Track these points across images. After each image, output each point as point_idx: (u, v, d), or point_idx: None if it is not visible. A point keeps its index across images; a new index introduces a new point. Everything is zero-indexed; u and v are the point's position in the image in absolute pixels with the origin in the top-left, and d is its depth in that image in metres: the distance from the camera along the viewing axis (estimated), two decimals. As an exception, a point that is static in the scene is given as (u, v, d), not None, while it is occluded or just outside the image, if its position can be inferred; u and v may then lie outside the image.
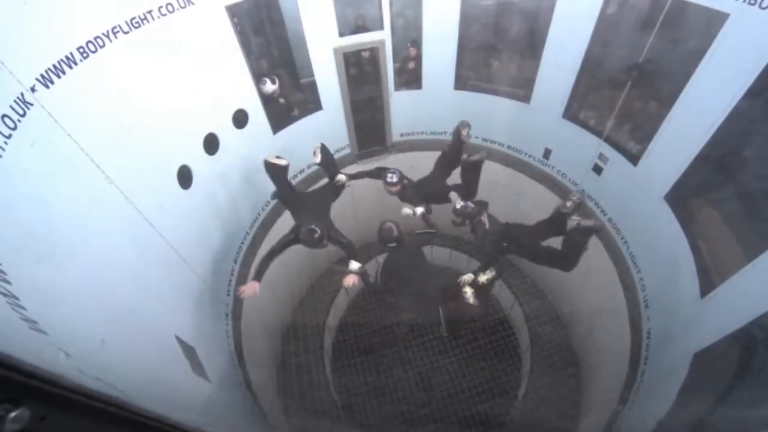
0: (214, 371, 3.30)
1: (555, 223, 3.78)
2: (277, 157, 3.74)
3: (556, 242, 3.83)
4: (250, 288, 3.41)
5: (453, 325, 4.21)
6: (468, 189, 4.24)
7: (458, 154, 4.26)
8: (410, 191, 4.15)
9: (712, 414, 2.66)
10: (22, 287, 1.62)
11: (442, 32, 4.71)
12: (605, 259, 4.45)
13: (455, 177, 4.42)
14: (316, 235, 3.29)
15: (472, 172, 4.13)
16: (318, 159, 3.97)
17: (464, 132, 4.13)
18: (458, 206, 3.83)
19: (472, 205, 3.84)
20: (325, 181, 4.41)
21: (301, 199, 4.06)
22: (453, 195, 4.16)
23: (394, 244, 3.61)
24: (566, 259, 3.79)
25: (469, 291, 3.60)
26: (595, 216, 4.22)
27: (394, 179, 3.93)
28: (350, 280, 3.66)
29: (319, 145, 4.02)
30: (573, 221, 3.59)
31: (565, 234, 3.72)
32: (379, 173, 4.15)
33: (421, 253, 4.16)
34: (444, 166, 4.42)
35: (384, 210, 6.54)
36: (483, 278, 3.68)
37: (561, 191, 5.01)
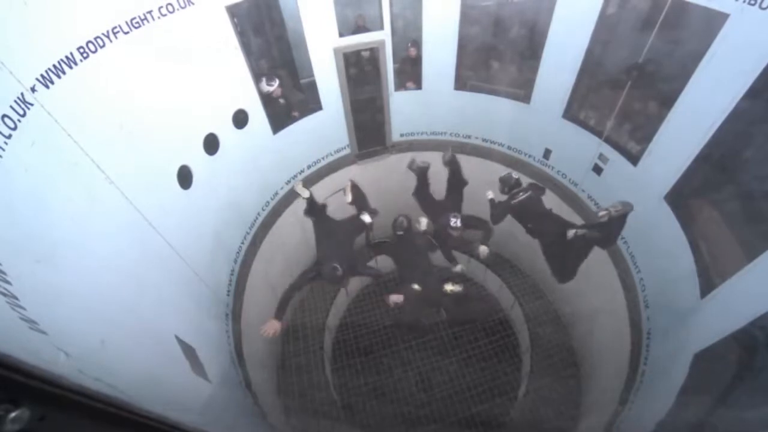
0: (214, 371, 3.30)
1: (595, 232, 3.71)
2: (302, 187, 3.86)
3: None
4: (271, 327, 3.31)
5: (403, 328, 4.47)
6: (458, 180, 4.49)
7: (426, 182, 4.62)
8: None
9: (712, 414, 2.66)
10: (22, 287, 1.62)
11: (442, 32, 4.71)
12: (605, 259, 4.44)
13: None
14: (338, 273, 3.40)
15: (454, 166, 4.44)
16: (349, 198, 4.05)
17: (420, 163, 4.50)
18: (503, 175, 4.07)
19: (515, 177, 4.07)
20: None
21: (329, 225, 4.05)
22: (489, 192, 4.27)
23: (401, 233, 4.03)
24: (565, 267, 3.85)
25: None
26: (622, 263, 4.29)
27: (458, 224, 3.92)
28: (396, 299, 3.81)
29: (350, 183, 4.11)
30: (570, 232, 3.64)
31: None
32: (442, 223, 4.11)
33: (426, 254, 4.31)
34: (424, 198, 4.67)
35: (382, 211, 6.55)
36: (448, 288, 3.78)
37: (561, 191, 5.01)
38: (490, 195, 4.16)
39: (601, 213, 3.41)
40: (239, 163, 4.16)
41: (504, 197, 4.04)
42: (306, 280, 3.61)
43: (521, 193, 3.93)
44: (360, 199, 4.15)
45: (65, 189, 2.11)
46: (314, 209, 3.92)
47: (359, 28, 4.78)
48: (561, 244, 3.88)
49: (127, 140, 2.67)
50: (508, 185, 4.01)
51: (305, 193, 3.82)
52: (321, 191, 5.57)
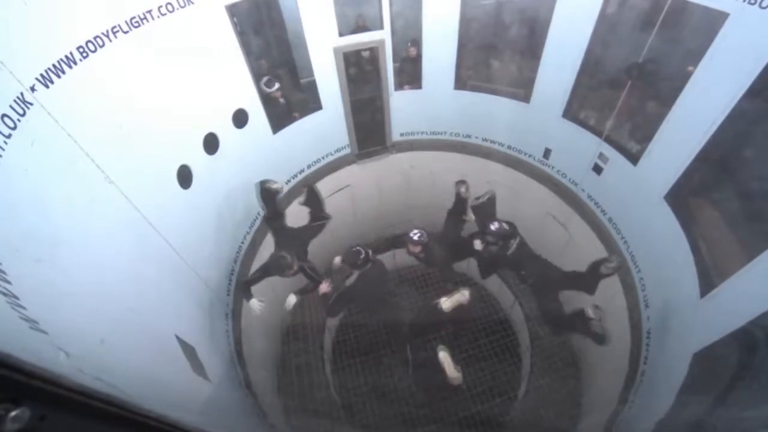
0: (214, 371, 3.30)
1: (587, 279, 3.63)
2: (272, 181, 3.85)
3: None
4: (257, 305, 3.63)
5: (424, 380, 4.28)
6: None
7: (462, 207, 4.40)
8: (435, 251, 4.07)
9: (712, 414, 2.66)
10: (22, 287, 1.62)
11: (442, 32, 4.71)
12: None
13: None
14: (285, 262, 3.47)
15: (488, 210, 4.21)
16: (302, 199, 4.16)
17: (462, 189, 4.27)
18: (493, 228, 3.71)
19: (506, 226, 3.74)
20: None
21: (286, 230, 4.21)
22: (476, 242, 4.13)
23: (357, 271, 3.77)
24: (557, 326, 3.77)
25: (449, 367, 3.54)
26: (623, 264, 4.04)
27: (415, 237, 3.87)
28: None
29: (305, 189, 4.23)
30: (595, 314, 3.48)
31: (592, 294, 3.64)
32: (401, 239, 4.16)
33: (386, 273, 4.28)
34: (454, 222, 4.54)
35: (382, 211, 6.56)
36: (446, 303, 3.60)
37: (561, 191, 5.01)
38: (479, 245, 4.00)
39: (610, 265, 3.43)
40: (239, 163, 4.16)
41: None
42: (258, 277, 3.75)
43: (512, 241, 3.73)
44: (315, 203, 4.21)
45: (65, 189, 2.11)
46: (273, 215, 4.03)
47: (359, 28, 4.77)
48: (552, 292, 3.85)
49: (127, 140, 2.67)
50: (500, 236, 3.73)
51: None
52: (320, 191, 5.57)
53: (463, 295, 3.55)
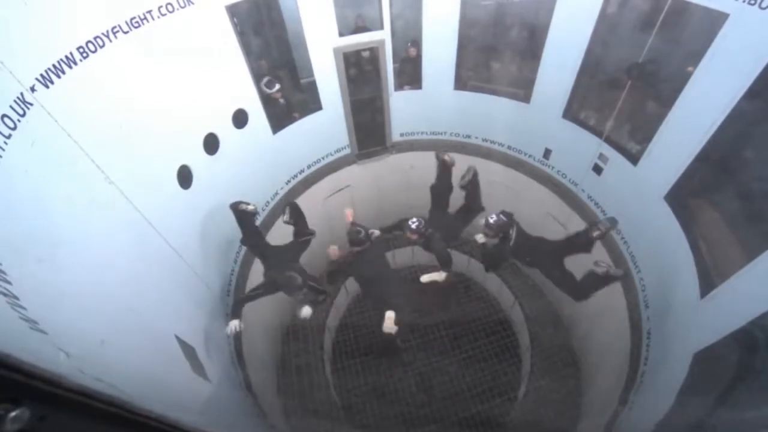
0: (214, 371, 3.30)
1: (580, 241, 3.80)
2: (245, 203, 3.73)
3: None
4: (234, 327, 3.44)
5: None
6: (474, 205, 4.30)
7: (448, 180, 4.31)
8: (433, 239, 4.02)
9: (712, 415, 2.66)
10: (22, 287, 1.62)
11: (442, 32, 4.71)
12: (605, 259, 4.44)
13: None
14: (297, 282, 3.40)
15: (472, 190, 4.21)
16: (286, 217, 4.08)
17: (447, 158, 4.19)
18: (492, 221, 3.76)
19: (504, 217, 3.80)
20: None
21: (269, 249, 4.11)
22: (478, 236, 4.14)
23: (358, 248, 3.82)
24: (578, 291, 3.83)
25: (389, 320, 3.59)
26: (622, 264, 4.21)
27: (413, 226, 3.89)
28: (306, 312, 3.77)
29: (287, 207, 4.15)
30: (602, 267, 3.58)
31: (590, 252, 3.79)
32: (400, 224, 4.14)
33: (386, 261, 4.30)
34: (439, 198, 4.45)
35: (382, 211, 6.55)
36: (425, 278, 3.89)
37: (561, 191, 5.01)
38: (481, 239, 4.07)
39: (596, 233, 3.63)
40: (239, 163, 4.16)
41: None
42: (257, 294, 3.66)
43: (511, 232, 3.79)
44: (299, 220, 4.16)
45: (65, 189, 2.12)
46: (252, 235, 3.93)
47: (359, 29, 4.78)
48: (557, 263, 3.90)
49: (127, 140, 2.67)
50: (499, 228, 3.76)
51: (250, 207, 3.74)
52: (321, 191, 5.59)
53: (440, 275, 4.02)
